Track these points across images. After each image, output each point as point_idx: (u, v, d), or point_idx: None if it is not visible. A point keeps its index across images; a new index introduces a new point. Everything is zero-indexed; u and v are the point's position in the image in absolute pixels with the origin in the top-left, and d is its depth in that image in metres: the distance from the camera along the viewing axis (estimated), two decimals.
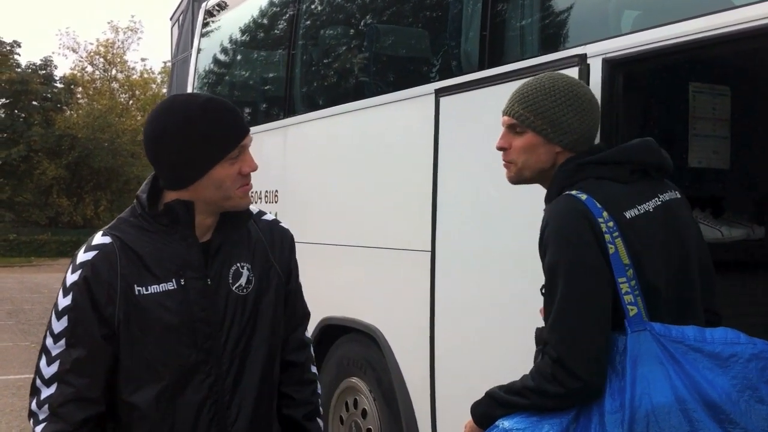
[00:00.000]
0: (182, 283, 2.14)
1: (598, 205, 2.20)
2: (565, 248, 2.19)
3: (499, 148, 2.48)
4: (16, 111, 38.57)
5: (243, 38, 7.21)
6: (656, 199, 2.32)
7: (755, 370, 2.08)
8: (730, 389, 2.06)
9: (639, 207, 2.27)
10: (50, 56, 50.96)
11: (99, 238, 2.17)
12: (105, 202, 40.86)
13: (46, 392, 2.10)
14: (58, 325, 2.10)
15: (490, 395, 2.38)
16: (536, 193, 3.42)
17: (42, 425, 2.08)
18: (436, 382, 4.01)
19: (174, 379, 2.14)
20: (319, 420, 2.49)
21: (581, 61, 3.17)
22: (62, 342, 2.10)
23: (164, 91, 31.95)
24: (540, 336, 2.67)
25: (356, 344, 4.82)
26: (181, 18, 11.09)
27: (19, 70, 38.76)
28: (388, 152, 4.61)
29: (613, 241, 2.17)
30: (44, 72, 39.75)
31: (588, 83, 3.14)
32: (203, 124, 2.07)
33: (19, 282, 22.75)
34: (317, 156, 5.32)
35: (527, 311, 3.48)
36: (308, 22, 5.81)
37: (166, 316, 2.12)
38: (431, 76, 4.45)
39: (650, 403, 2.05)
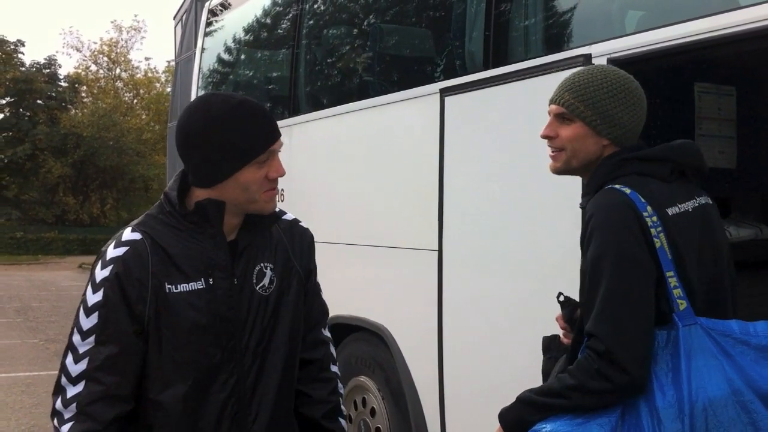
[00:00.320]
0: (210, 283, 2.12)
1: (643, 200, 2.20)
2: (611, 240, 2.16)
3: (545, 137, 2.44)
4: (20, 110, 38.67)
5: (247, 38, 7.21)
6: (693, 200, 2.31)
7: None
8: None
9: (679, 206, 2.27)
10: (54, 55, 50.92)
11: (129, 234, 2.13)
12: (111, 201, 40.95)
13: (72, 390, 2.05)
14: (87, 322, 2.07)
15: (522, 400, 2.30)
16: (542, 191, 3.44)
17: (69, 424, 2.03)
18: (444, 381, 4.02)
19: (200, 378, 2.12)
20: (341, 420, 2.46)
21: (586, 61, 3.17)
22: (91, 339, 2.06)
23: (168, 90, 31.95)
24: (548, 345, 2.67)
25: (364, 343, 4.84)
26: (184, 17, 11.09)
27: (23, 69, 38.86)
28: (394, 151, 4.62)
29: (658, 236, 2.17)
30: (48, 71, 39.82)
31: None
32: (234, 126, 2.06)
33: (26, 280, 22.83)
34: (322, 155, 5.33)
35: (534, 310, 3.50)
36: (311, 22, 5.81)
37: (194, 315, 2.10)
38: (436, 75, 4.45)
39: (706, 396, 2.04)
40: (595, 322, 2.13)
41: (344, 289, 4.93)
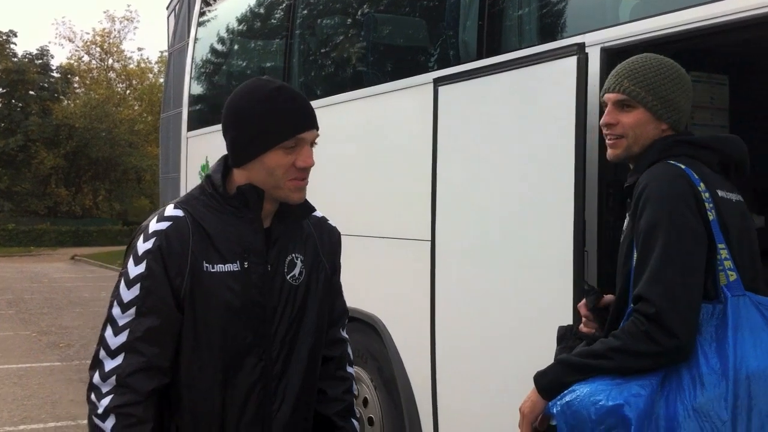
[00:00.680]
0: (245, 266, 2.15)
1: (696, 176, 2.26)
2: (667, 208, 2.20)
3: (606, 124, 2.48)
4: (13, 101, 38.49)
5: (240, 28, 7.19)
6: (735, 194, 2.38)
7: None
8: None
9: (727, 193, 2.33)
10: (46, 46, 50.82)
11: (171, 210, 2.16)
12: (104, 192, 40.85)
13: (111, 363, 2.06)
14: (129, 294, 2.07)
15: (561, 362, 2.33)
16: (535, 181, 3.44)
17: (108, 398, 2.04)
18: (437, 371, 4.02)
19: (230, 360, 2.14)
20: (354, 421, 2.48)
21: (580, 50, 3.17)
22: (132, 311, 2.07)
23: (161, 80, 31.84)
24: (564, 334, 2.68)
25: (357, 333, 4.83)
26: (177, 7, 11.04)
27: (15, 59, 38.66)
28: (387, 141, 4.61)
29: (711, 210, 2.22)
30: (41, 61, 39.63)
31: (586, 72, 3.15)
32: (264, 109, 2.11)
33: (18, 271, 22.77)
34: (316, 145, 5.31)
35: (527, 299, 3.50)
36: (305, 12, 5.80)
37: (229, 296, 2.12)
38: (430, 65, 4.44)
39: (750, 366, 2.07)
40: (646, 285, 2.16)
41: None
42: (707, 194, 2.23)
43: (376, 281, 4.63)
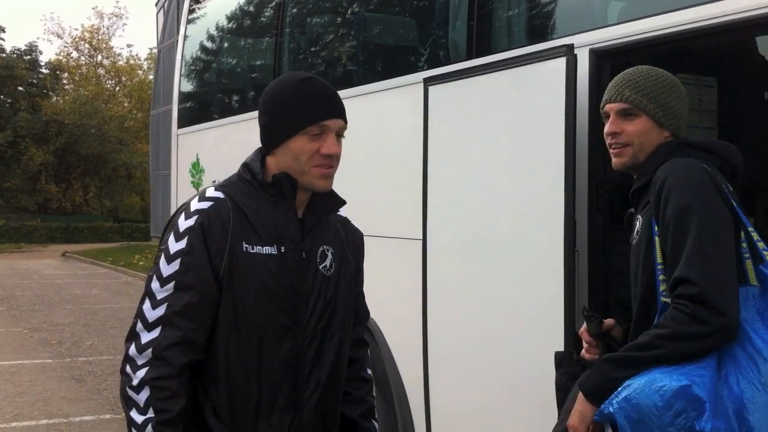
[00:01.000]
0: (282, 251, 2.19)
1: (709, 169, 2.30)
2: (696, 194, 2.23)
3: (611, 134, 2.52)
4: (1, 96, 38.29)
5: (230, 25, 7.19)
6: (733, 191, 2.39)
7: None
8: None
9: (730, 188, 2.35)
10: (35, 42, 50.39)
11: (212, 192, 2.21)
12: (94, 189, 40.67)
13: (148, 336, 2.09)
14: (168, 269, 2.11)
15: (607, 360, 2.29)
16: (525, 180, 3.46)
17: (144, 370, 2.07)
18: (429, 370, 4.04)
19: (266, 342, 2.17)
20: (374, 422, 2.51)
21: (569, 51, 3.19)
22: (170, 285, 2.11)
23: (151, 77, 31.74)
24: (561, 360, 2.70)
25: None
26: (166, 4, 11.03)
27: (3, 55, 38.43)
28: (378, 141, 4.63)
29: (732, 198, 2.27)
30: (29, 57, 39.41)
31: (575, 73, 3.17)
32: (291, 97, 2.19)
33: (9, 268, 22.69)
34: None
35: (518, 298, 3.52)
36: (295, 10, 5.80)
37: (266, 278, 2.15)
38: (420, 65, 4.46)
39: None
40: (685, 267, 2.17)
41: None
42: (723, 186, 2.29)
43: (368, 280, 4.61)
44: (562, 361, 2.72)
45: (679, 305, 2.15)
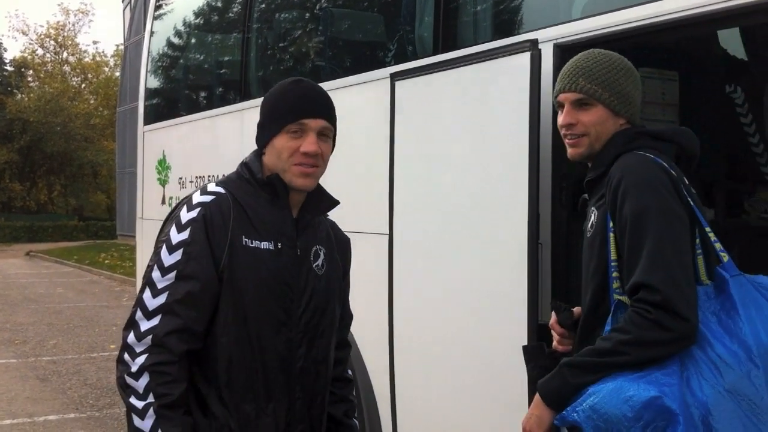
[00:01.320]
0: (279, 247, 2.25)
1: (666, 165, 2.28)
2: (651, 195, 2.21)
3: (567, 125, 2.48)
4: None
5: (197, 21, 7.15)
6: (689, 184, 2.38)
7: None
8: None
9: (686, 182, 2.35)
10: None
11: (213, 187, 2.27)
12: (59, 187, 40.23)
13: (147, 324, 2.13)
14: (170, 259, 2.16)
15: (568, 364, 2.25)
16: (491, 175, 3.48)
17: (143, 356, 2.11)
18: (395, 363, 4.05)
19: (264, 332, 2.22)
20: (355, 420, 2.60)
21: (533, 46, 3.21)
22: (172, 275, 2.15)
23: (117, 74, 31.45)
24: (531, 353, 2.67)
25: None
26: (133, 1, 10.94)
27: None
28: (344, 136, 4.59)
29: (689, 196, 2.26)
30: None
31: (540, 68, 3.19)
32: (279, 97, 2.29)
33: None
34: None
35: (483, 291, 3.54)
36: (262, 5, 5.78)
37: (264, 272, 2.22)
38: (386, 60, 4.47)
39: (761, 340, 2.08)
40: (646, 273, 2.14)
41: None
42: (680, 183, 2.27)
43: None
44: (532, 354, 2.69)
45: (641, 310, 2.13)
